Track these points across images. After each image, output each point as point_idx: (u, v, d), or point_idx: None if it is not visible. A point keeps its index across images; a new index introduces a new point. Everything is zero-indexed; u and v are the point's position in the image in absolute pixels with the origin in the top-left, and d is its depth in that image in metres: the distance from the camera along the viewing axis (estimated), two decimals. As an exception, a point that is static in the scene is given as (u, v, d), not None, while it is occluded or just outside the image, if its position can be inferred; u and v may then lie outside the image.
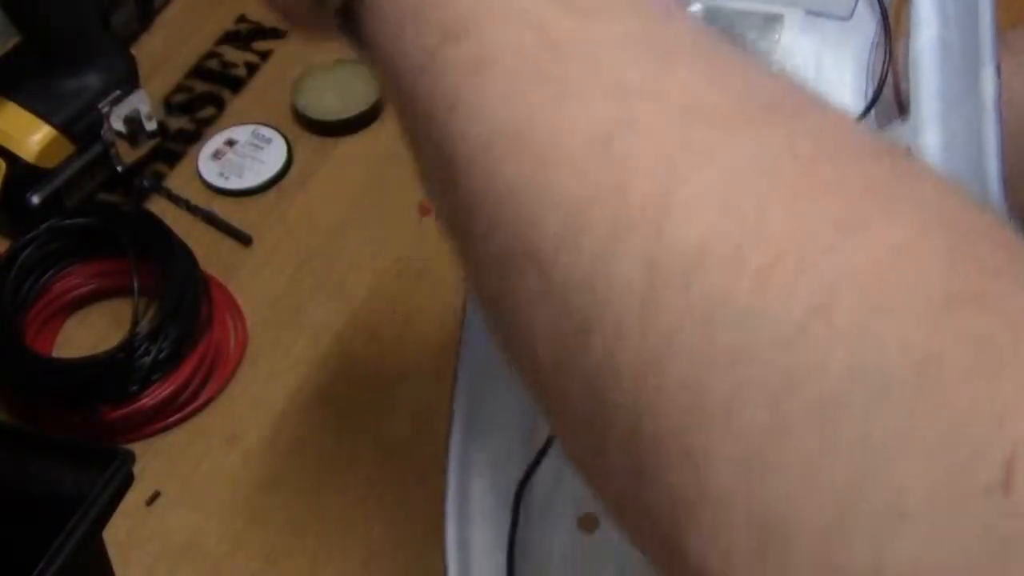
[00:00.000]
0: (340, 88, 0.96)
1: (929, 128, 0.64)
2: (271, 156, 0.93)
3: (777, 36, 0.72)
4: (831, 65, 0.71)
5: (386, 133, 0.95)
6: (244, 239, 0.89)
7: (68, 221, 0.84)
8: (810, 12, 0.74)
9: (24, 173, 0.85)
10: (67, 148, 0.87)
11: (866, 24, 0.74)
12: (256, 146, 0.94)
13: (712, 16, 0.72)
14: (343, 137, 0.95)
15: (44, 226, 0.83)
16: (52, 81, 0.86)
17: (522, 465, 0.63)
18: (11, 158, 0.85)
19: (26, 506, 0.62)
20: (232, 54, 1.01)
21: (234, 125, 0.95)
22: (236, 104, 0.97)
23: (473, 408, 0.65)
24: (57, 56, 0.86)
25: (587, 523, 0.63)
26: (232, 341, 0.83)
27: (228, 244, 0.89)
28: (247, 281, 0.87)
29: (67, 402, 0.78)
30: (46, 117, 0.85)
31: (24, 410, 0.79)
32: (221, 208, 0.91)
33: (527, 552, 0.63)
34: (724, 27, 0.73)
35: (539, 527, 0.64)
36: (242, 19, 1.03)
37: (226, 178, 0.92)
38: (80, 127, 0.87)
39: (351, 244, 0.88)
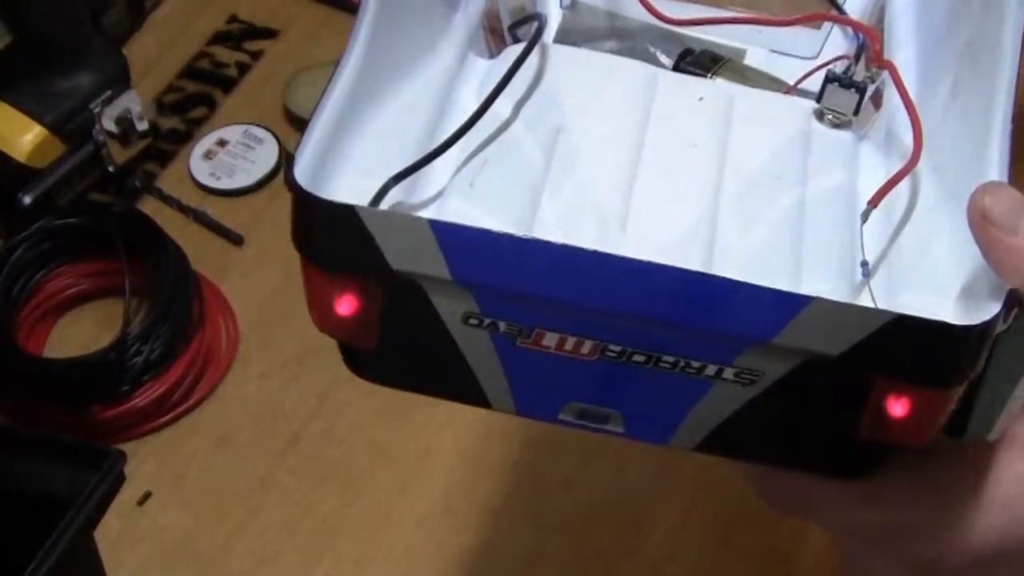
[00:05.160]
0: (331, 88, 0.96)
1: (904, 46, 0.62)
2: (262, 156, 0.93)
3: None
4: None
5: (377, 133, 0.95)
6: (235, 239, 0.89)
7: (59, 221, 0.84)
8: (774, 51, 0.71)
9: (15, 173, 0.85)
10: (58, 148, 0.87)
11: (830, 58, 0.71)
12: (247, 146, 0.94)
13: (670, 36, 0.70)
14: (334, 137, 0.95)
15: (35, 226, 0.83)
16: (43, 81, 0.86)
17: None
18: (2, 158, 0.85)
19: (17, 506, 0.62)
20: (223, 54, 1.01)
21: (225, 125, 0.95)
22: (227, 104, 0.97)
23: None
24: (48, 56, 0.86)
25: None
26: (224, 341, 0.83)
27: (219, 244, 0.89)
28: (238, 281, 0.87)
29: (58, 402, 0.78)
30: (37, 117, 0.85)
31: (15, 410, 0.79)
32: (212, 208, 0.91)
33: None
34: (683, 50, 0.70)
35: None
36: (233, 19, 1.03)
37: (217, 178, 0.92)
38: (71, 127, 0.87)
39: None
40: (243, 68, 1.00)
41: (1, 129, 0.85)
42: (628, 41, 0.71)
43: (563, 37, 0.72)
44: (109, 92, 0.88)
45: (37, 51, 0.86)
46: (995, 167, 0.50)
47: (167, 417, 0.80)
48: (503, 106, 0.56)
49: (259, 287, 0.87)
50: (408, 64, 0.57)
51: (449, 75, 0.59)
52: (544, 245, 0.43)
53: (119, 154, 0.90)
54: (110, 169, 0.90)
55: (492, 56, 0.63)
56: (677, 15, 0.67)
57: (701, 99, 0.61)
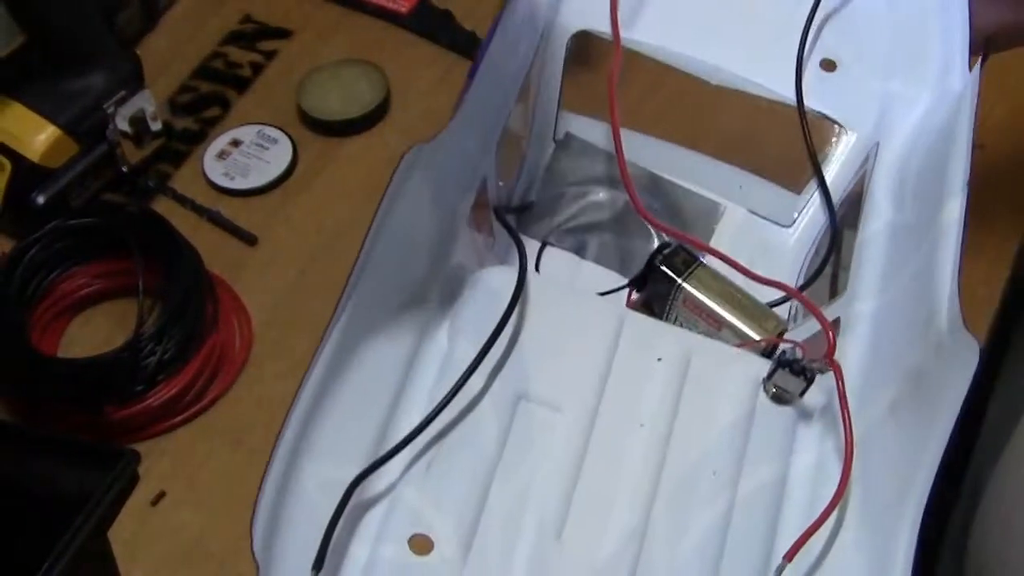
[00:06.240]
0: (345, 88, 0.96)
1: (866, 300, 0.67)
2: (276, 156, 0.93)
3: (714, 226, 0.75)
4: (762, 264, 0.74)
5: (391, 133, 0.95)
6: (249, 239, 0.89)
7: (73, 221, 0.84)
8: (752, 211, 0.76)
9: (29, 173, 0.85)
10: (72, 148, 0.87)
11: (805, 231, 0.75)
12: (261, 146, 0.94)
13: (655, 184, 0.74)
14: (348, 137, 0.95)
15: (49, 226, 0.83)
16: (57, 81, 0.86)
17: (359, 467, 0.63)
18: (16, 158, 0.85)
19: (31, 506, 0.62)
20: (237, 54, 1.01)
21: (239, 125, 0.95)
22: (241, 104, 0.97)
23: (318, 401, 0.64)
24: (62, 56, 0.86)
25: (419, 545, 0.62)
26: (237, 341, 0.83)
27: (233, 244, 0.89)
28: (252, 281, 0.87)
29: (72, 402, 0.78)
30: (51, 117, 0.85)
31: (29, 410, 0.79)
32: (226, 208, 0.91)
33: (345, 557, 0.62)
34: (666, 200, 0.75)
35: (363, 537, 0.63)
36: (247, 19, 1.03)
37: (231, 178, 0.92)
38: (85, 127, 0.87)
39: (356, 244, 0.87)
40: (257, 68, 1.00)
41: (15, 129, 0.85)
42: (616, 190, 0.77)
43: (551, 174, 0.78)
44: (123, 92, 0.88)
45: (50, 51, 0.86)
46: (911, 513, 0.55)
47: (181, 417, 0.80)
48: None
49: (273, 287, 0.87)
50: (383, 327, 0.66)
51: (419, 332, 0.67)
52: None
53: (133, 154, 0.90)
54: (124, 169, 0.90)
55: (481, 234, 0.72)
56: (666, 161, 0.75)
57: (660, 360, 0.67)
